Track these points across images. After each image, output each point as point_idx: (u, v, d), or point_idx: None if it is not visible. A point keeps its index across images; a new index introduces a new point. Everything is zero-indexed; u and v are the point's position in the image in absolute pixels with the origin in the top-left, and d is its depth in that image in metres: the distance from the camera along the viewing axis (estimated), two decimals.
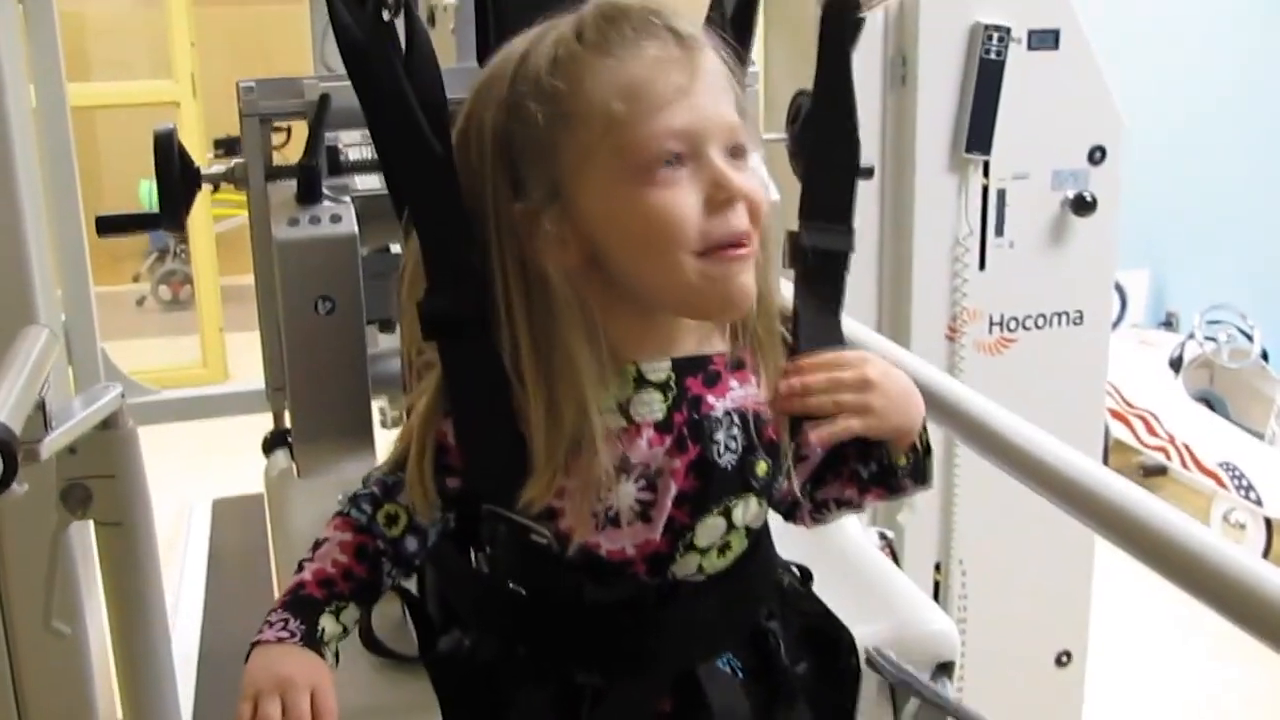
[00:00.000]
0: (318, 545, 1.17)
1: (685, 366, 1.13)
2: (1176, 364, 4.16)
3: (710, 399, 1.13)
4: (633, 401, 1.11)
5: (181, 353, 5.39)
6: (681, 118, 1.04)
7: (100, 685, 2.18)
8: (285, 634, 1.10)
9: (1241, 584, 1.02)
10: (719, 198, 1.04)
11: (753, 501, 1.17)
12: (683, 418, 1.12)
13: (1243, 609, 1.02)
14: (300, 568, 1.15)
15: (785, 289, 1.25)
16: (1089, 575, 2.47)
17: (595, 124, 1.04)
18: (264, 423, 1.78)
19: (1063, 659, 2.48)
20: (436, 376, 1.13)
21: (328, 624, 1.12)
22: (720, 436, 1.13)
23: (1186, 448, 4.04)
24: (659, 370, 1.12)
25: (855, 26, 1.27)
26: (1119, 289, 4.22)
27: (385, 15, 1.11)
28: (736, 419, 1.14)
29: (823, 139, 1.28)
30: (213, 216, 5.34)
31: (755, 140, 1.15)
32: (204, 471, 4.08)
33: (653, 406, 1.12)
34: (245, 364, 3.98)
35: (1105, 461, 1.52)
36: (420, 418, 1.14)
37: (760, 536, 1.22)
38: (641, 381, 1.12)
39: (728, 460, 1.14)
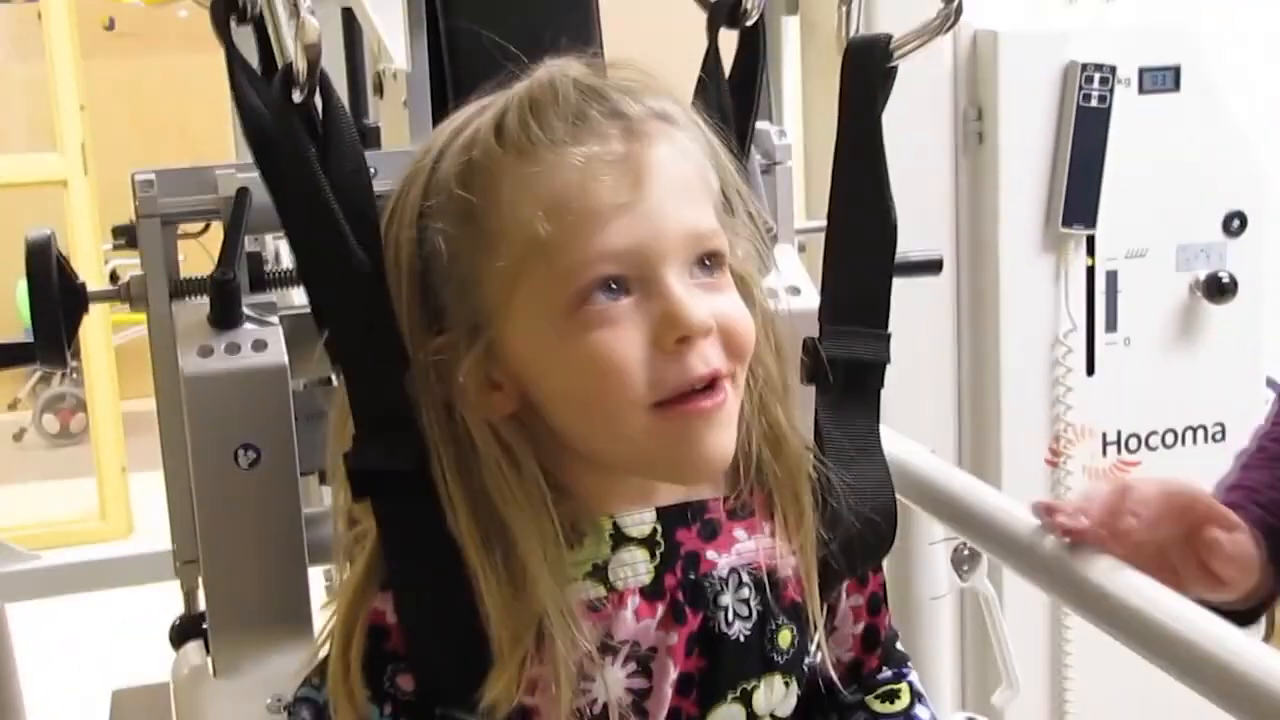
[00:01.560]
0: None
1: (674, 516, 1.13)
2: None
3: (710, 554, 1.14)
4: (611, 564, 1.11)
5: (73, 501, 5.40)
6: (622, 235, 1.03)
7: None
8: None
9: None
10: (671, 336, 1.03)
11: (777, 682, 1.17)
12: (675, 580, 1.12)
13: None
14: None
15: None
16: None
17: (516, 248, 1.05)
18: (177, 590, 1.78)
19: None
20: (372, 544, 1.13)
21: None
22: (727, 600, 1.13)
23: None
24: (641, 523, 1.12)
25: (887, 78, 1.28)
26: (1273, 386, 4.20)
27: (296, 95, 1.12)
28: (747, 578, 1.14)
29: (847, 218, 1.28)
30: (111, 324, 5.37)
31: (772, 237, 1.15)
32: (101, 653, 4.06)
33: (637, 569, 1.12)
34: (156, 513, 3.98)
35: (1269, 627, 1.48)
36: (348, 596, 1.14)
37: None
38: (620, 538, 1.12)
39: (739, 630, 1.13)
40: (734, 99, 1.33)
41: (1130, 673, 2.21)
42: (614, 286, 1.03)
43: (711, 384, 1.05)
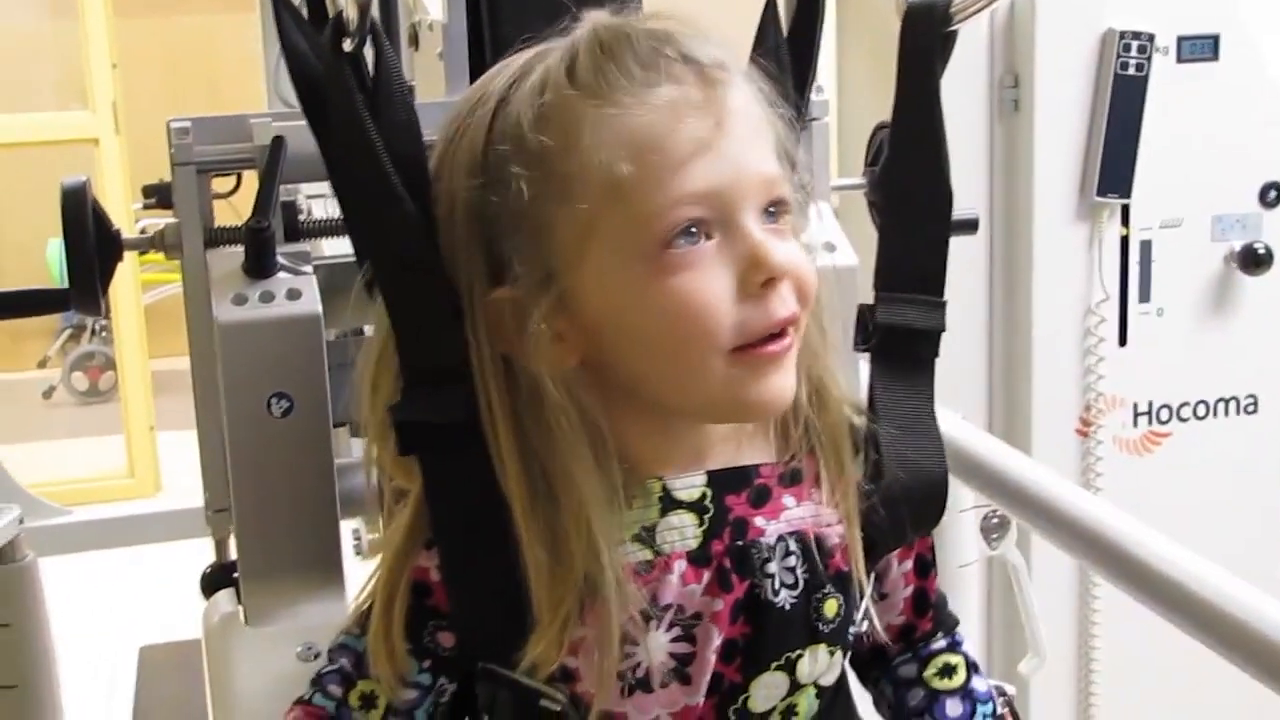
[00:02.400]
0: None
1: (724, 481, 1.12)
2: None
3: (758, 521, 1.12)
4: (659, 527, 1.10)
5: (102, 459, 5.42)
6: (704, 177, 1.02)
7: None
8: None
9: None
10: (757, 279, 1.02)
11: (822, 651, 1.15)
12: (723, 546, 1.11)
13: None
14: None
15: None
16: None
17: (595, 191, 1.03)
18: (205, 549, 1.78)
19: None
20: (415, 501, 1.13)
21: None
22: (774, 568, 1.12)
23: None
24: (691, 487, 1.11)
25: (946, 42, 1.25)
26: None
27: (346, 44, 1.10)
28: (795, 546, 1.13)
29: (904, 186, 1.26)
30: (140, 284, 5.38)
31: (808, 193, 1.14)
32: (129, 610, 4.08)
33: (684, 533, 1.11)
34: (183, 472, 3.97)
35: None
36: (392, 552, 1.14)
37: (836, 697, 1.21)
38: (669, 502, 1.11)
39: (785, 599, 1.12)
40: (791, 53, 1.32)
41: (1158, 644, 2.22)
42: (694, 230, 1.02)
43: (784, 330, 1.05)
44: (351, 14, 1.09)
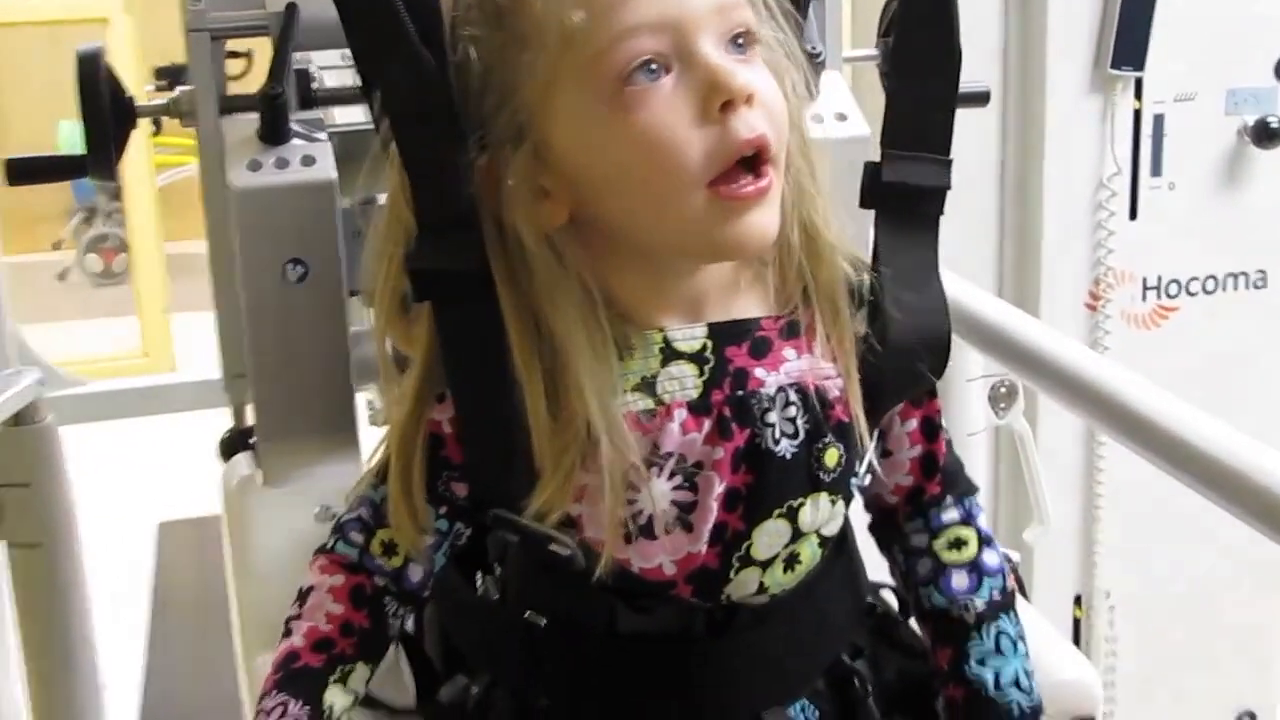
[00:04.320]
0: (303, 596, 1.18)
1: (725, 333, 1.13)
2: None
3: (758, 372, 1.13)
4: (660, 377, 1.11)
5: (116, 338, 5.43)
6: (652, 8, 1.02)
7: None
8: None
9: None
10: (715, 100, 1.02)
11: (824, 500, 1.16)
12: (723, 396, 1.11)
13: None
14: (288, 630, 1.16)
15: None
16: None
17: (551, 41, 1.03)
18: (221, 421, 1.79)
19: None
20: (424, 357, 1.14)
21: (335, 698, 1.14)
22: (774, 418, 1.12)
23: None
24: (692, 339, 1.12)
25: None
26: None
27: None
28: (795, 396, 1.13)
29: (914, 48, 1.24)
30: (154, 166, 5.36)
31: (782, 37, 1.12)
32: (147, 486, 4.10)
33: (684, 383, 1.11)
34: (196, 351, 3.99)
35: None
36: (406, 405, 1.15)
37: (839, 547, 1.23)
38: (670, 353, 1.11)
39: (786, 448, 1.13)
40: None
41: (1162, 513, 2.25)
42: (653, 67, 1.02)
43: (759, 166, 1.04)
44: None
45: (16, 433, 1.76)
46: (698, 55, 1.02)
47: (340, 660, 1.15)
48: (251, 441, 1.59)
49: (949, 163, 1.22)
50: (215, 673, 2.79)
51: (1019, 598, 1.30)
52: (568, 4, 1.02)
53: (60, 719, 1.91)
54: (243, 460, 1.59)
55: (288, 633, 1.16)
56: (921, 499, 1.27)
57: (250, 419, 1.61)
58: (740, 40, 1.05)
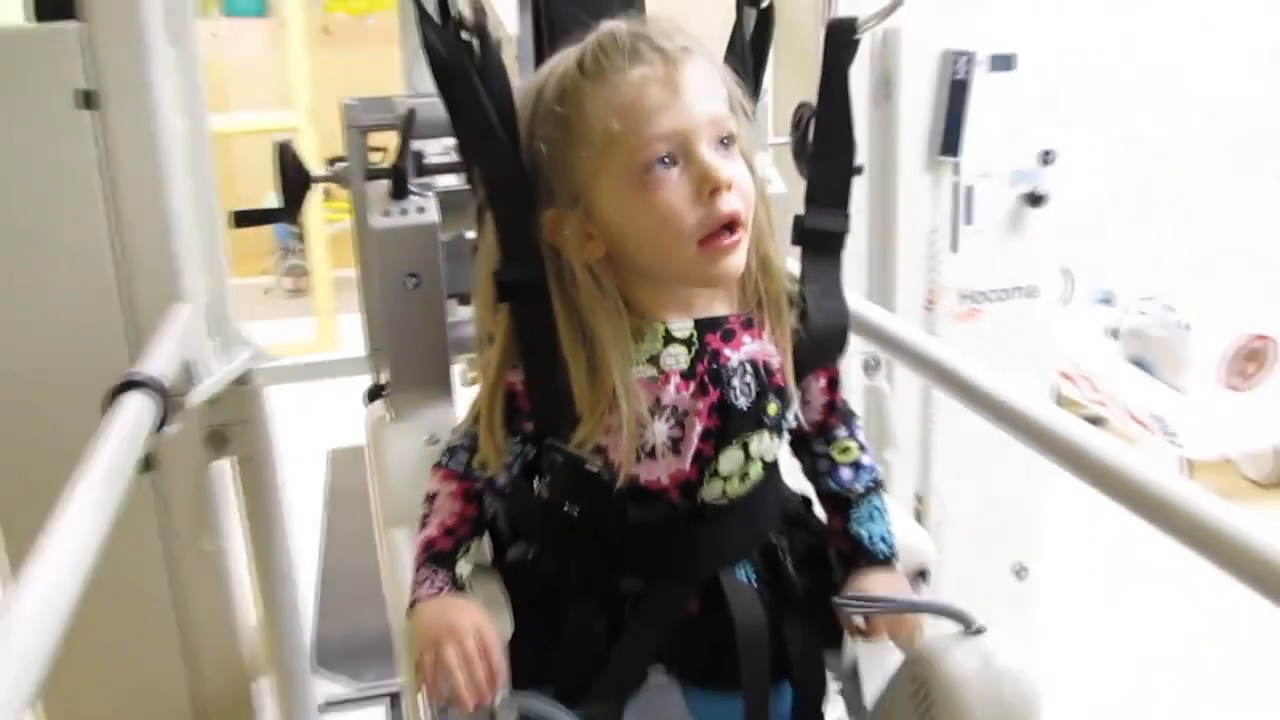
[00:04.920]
0: (430, 499, 1.16)
1: (706, 325, 1.11)
2: (1115, 333, 4.12)
3: (727, 352, 1.11)
4: (662, 355, 1.09)
5: (301, 331, 5.39)
6: (668, 123, 1.01)
7: (240, 593, 2.19)
8: (435, 589, 1.10)
9: (1164, 497, 1.02)
10: (705, 188, 1.02)
11: (766, 436, 1.14)
12: (704, 367, 1.10)
13: (1171, 520, 1.01)
14: (424, 524, 1.14)
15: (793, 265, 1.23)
16: (1043, 501, 2.44)
17: (598, 141, 1.02)
18: (365, 381, 1.77)
19: (1020, 572, 2.45)
20: (503, 338, 1.12)
21: (462, 565, 1.12)
22: (736, 383, 1.11)
23: (1122, 402, 3.99)
24: (683, 329, 1.10)
25: (852, 47, 1.23)
26: (1068, 273, 4.17)
27: (464, 35, 1.09)
28: (749, 368, 1.12)
29: (826, 139, 1.24)
30: (326, 220, 5.34)
31: (751, 134, 1.11)
32: (321, 427, 4.06)
33: (679, 359, 1.09)
34: (352, 340, 3.97)
35: None
36: (491, 373, 1.13)
37: (773, 468, 1.20)
38: (669, 338, 1.10)
39: (743, 402, 1.11)
40: (752, 54, 1.29)
41: (971, 439, 2.21)
42: (666, 161, 1.02)
43: (733, 225, 1.04)
44: (468, 14, 1.09)
45: (238, 390, 1.76)
46: (696, 155, 1.02)
47: (462, 541, 1.13)
48: (384, 393, 1.56)
49: (849, 214, 1.22)
50: (369, 550, 2.77)
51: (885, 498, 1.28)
52: (610, 118, 1.02)
53: (270, 572, 1.89)
54: (379, 406, 1.56)
55: (424, 525, 1.14)
56: (825, 427, 1.25)
57: (383, 379, 1.58)
58: (725, 141, 1.05)
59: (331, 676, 2.24)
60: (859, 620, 1.20)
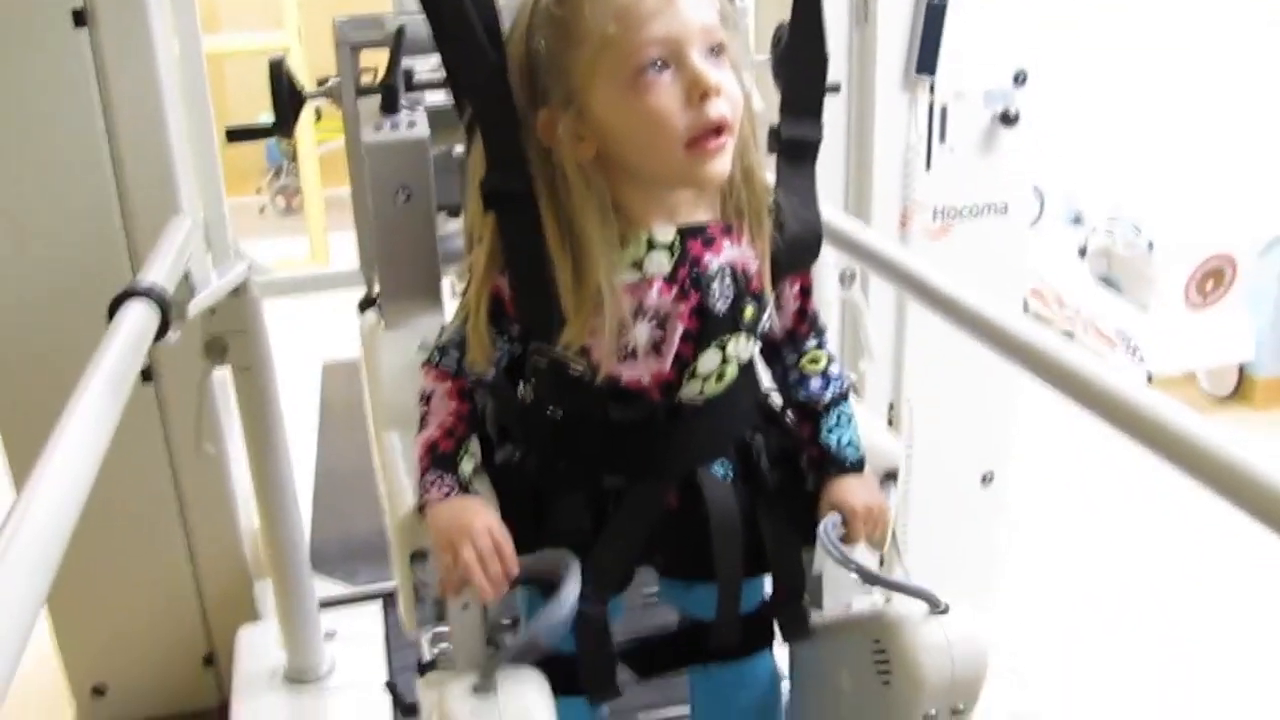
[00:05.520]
0: (426, 398, 1.17)
1: (688, 232, 1.11)
2: (1083, 252, 4.14)
3: (707, 258, 1.12)
4: (645, 260, 1.10)
5: (294, 249, 5.35)
6: (661, 28, 1.01)
7: (241, 499, 2.22)
8: (445, 490, 1.12)
9: (1129, 403, 1.03)
10: (695, 92, 1.02)
11: (742, 338, 1.16)
12: (685, 272, 1.11)
13: (1135, 425, 1.02)
14: (424, 424, 1.16)
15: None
16: (1011, 410, 2.46)
17: (594, 43, 1.02)
18: (356, 295, 1.77)
19: (987, 479, 2.49)
20: (489, 243, 1.12)
21: (465, 465, 1.14)
22: (716, 287, 1.12)
23: (1089, 319, 4.02)
24: (666, 235, 1.11)
25: None
26: (1039, 193, 4.16)
27: None
28: (728, 273, 1.13)
29: (799, 55, 1.23)
30: (316, 141, 5.28)
31: (741, 48, 1.11)
32: (314, 339, 4.06)
33: (661, 264, 1.10)
34: (344, 256, 3.94)
35: None
36: (478, 276, 1.14)
37: (749, 368, 1.22)
38: (652, 244, 1.10)
39: (722, 306, 1.12)
40: None
41: (942, 350, 2.23)
42: (658, 65, 1.02)
43: (720, 129, 1.04)
44: None
45: (236, 300, 1.76)
46: (688, 60, 1.02)
47: (462, 439, 1.15)
48: (377, 303, 1.57)
49: (822, 124, 1.22)
50: (361, 459, 2.80)
51: (856, 399, 1.30)
52: (606, 21, 1.01)
53: (268, 476, 1.91)
54: (372, 314, 1.57)
55: (423, 425, 1.16)
56: (796, 335, 1.27)
57: (376, 290, 1.58)
58: (716, 50, 1.05)
59: (327, 578, 2.27)
60: (836, 535, 1.20)
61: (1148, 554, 2.94)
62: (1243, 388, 3.80)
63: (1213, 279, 3.75)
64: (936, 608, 1.18)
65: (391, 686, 1.35)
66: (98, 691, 2.27)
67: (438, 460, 1.14)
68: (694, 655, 1.33)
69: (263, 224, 5.96)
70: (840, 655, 1.32)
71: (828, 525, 1.20)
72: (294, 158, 5.65)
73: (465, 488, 1.13)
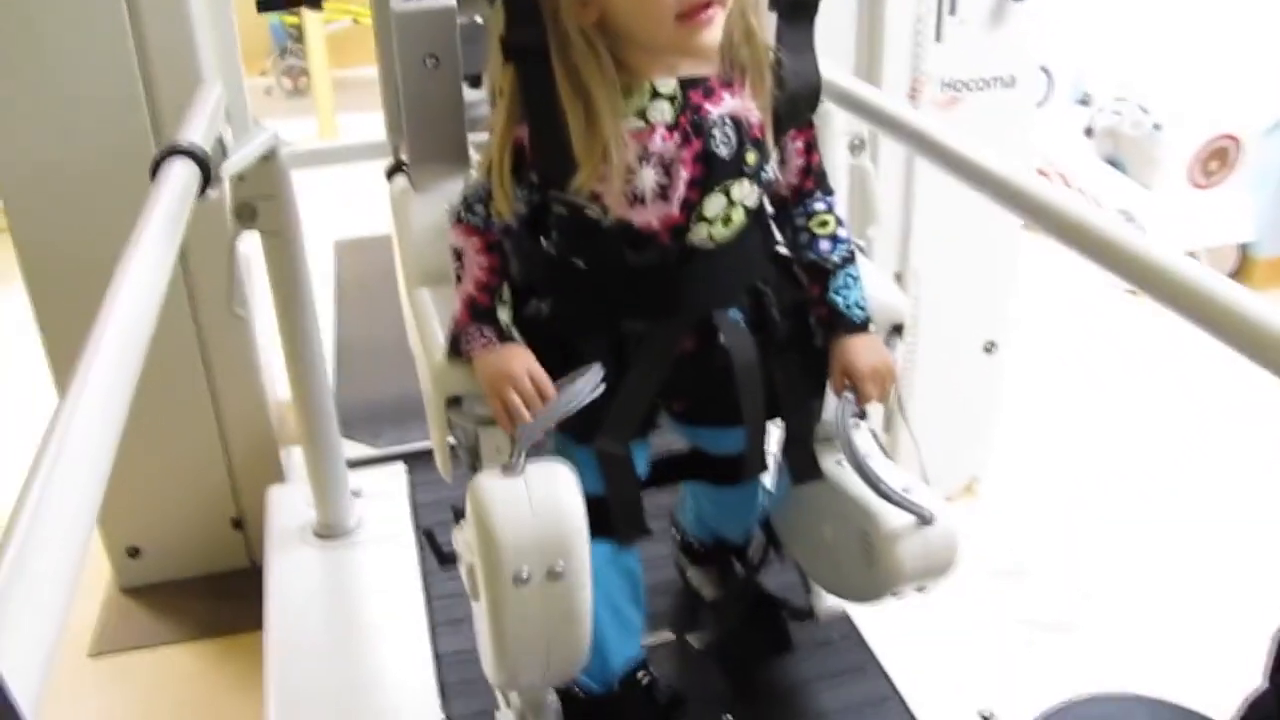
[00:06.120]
0: (458, 254, 1.24)
1: (688, 83, 1.18)
2: (1089, 132, 4.13)
3: (708, 106, 1.18)
4: (648, 109, 1.17)
5: (303, 130, 5.32)
6: None
7: (267, 357, 2.28)
8: (486, 340, 1.20)
9: (1124, 245, 1.05)
10: None
11: (745, 183, 1.22)
12: (686, 120, 1.17)
13: (1128, 264, 1.04)
14: (459, 279, 1.24)
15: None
16: (1013, 279, 2.49)
17: None
18: (371, 177, 1.80)
19: (989, 347, 2.54)
20: (509, 95, 1.19)
21: (502, 314, 1.23)
22: (717, 134, 1.18)
23: (1093, 197, 4.04)
24: (668, 86, 1.17)
25: None
26: (1046, 71, 4.14)
27: None
28: (729, 121, 1.19)
29: None
30: (323, 20, 5.23)
31: None
32: (324, 218, 4.09)
33: (664, 112, 1.17)
34: (353, 138, 3.91)
35: None
36: (499, 129, 1.21)
37: (756, 215, 1.27)
38: (655, 94, 1.17)
39: (724, 151, 1.19)
40: None
41: (952, 214, 2.27)
42: None
43: (709, 3, 1.11)
44: None
45: (265, 166, 1.79)
46: None
47: (495, 290, 1.23)
48: (404, 167, 1.60)
49: None
50: (378, 329, 2.85)
51: (864, 260, 1.36)
52: None
53: (296, 336, 1.95)
54: (400, 179, 1.60)
55: (459, 280, 1.23)
56: (801, 192, 1.31)
57: (403, 154, 1.61)
58: None
59: (351, 440, 2.34)
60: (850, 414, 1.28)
61: (1146, 416, 3.00)
62: (1244, 267, 3.84)
63: (1217, 159, 3.76)
64: (925, 521, 1.27)
65: (429, 535, 1.42)
66: (132, 553, 2.35)
67: (477, 314, 1.22)
68: (698, 474, 1.46)
69: (270, 104, 5.91)
70: (828, 515, 1.40)
71: (843, 413, 1.27)
72: (299, 38, 5.59)
73: (503, 336, 1.20)
